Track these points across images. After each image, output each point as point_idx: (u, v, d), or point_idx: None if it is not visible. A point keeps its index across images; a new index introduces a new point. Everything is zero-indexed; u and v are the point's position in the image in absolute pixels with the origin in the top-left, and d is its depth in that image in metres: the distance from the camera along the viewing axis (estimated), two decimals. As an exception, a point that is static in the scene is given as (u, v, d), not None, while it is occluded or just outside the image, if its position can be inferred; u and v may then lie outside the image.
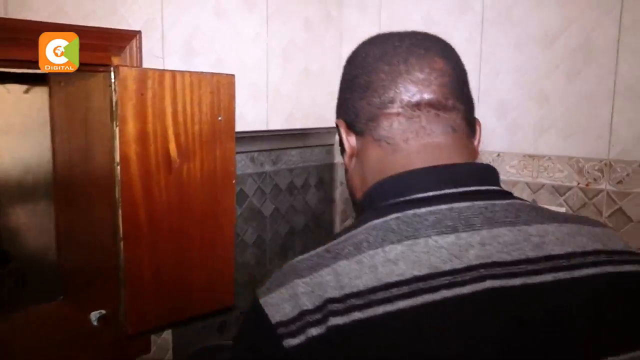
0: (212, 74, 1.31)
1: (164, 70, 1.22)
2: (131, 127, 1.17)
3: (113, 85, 1.15)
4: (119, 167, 1.17)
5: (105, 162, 1.21)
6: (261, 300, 0.50)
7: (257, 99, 1.53)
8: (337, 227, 1.91)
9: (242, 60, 1.48)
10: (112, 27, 1.18)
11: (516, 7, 1.42)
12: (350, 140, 0.65)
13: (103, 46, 1.17)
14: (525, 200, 0.58)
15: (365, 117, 0.62)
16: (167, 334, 1.40)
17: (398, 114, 0.60)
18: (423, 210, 0.53)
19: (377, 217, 0.54)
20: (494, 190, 0.57)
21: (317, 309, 0.47)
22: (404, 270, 0.48)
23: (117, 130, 1.15)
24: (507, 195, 0.57)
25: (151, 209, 1.22)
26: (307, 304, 0.48)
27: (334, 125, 0.73)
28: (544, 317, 0.48)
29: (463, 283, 0.48)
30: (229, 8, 1.43)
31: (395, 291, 0.47)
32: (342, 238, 0.53)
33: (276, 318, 0.48)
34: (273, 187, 1.64)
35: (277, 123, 1.62)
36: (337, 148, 1.85)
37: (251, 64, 1.51)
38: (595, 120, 1.30)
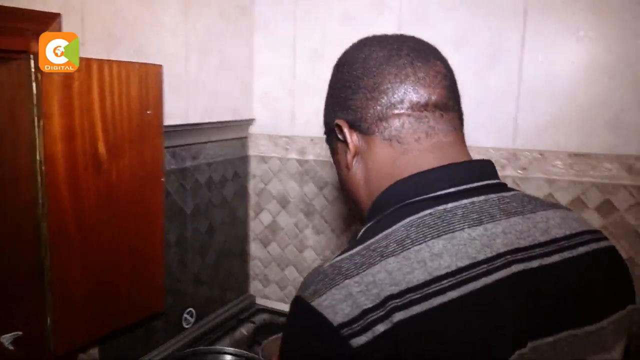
0: (140, 63, 1.21)
1: (90, 58, 1.10)
2: (57, 122, 1.04)
3: (33, 75, 1.01)
4: (43, 168, 1.03)
5: (27, 162, 1.05)
6: (313, 304, 0.51)
7: (177, 91, 1.45)
8: (251, 220, 1.89)
9: (161, 51, 1.38)
10: (29, 7, 1.03)
11: (431, 9, 1.53)
12: (354, 139, 0.67)
13: (19, 29, 1.01)
14: (521, 191, 0.66)
15: (374, 117, 0.65)
16: (94, 349, 1.28)
17: (408, 115, 0.64)
18: (450, 205, 0.58)
19: (410, 215, 0.57)
20: (498, 183, 0.64)
21: (378, 306, 0.49)
22: (449, 262, 0.52)
23: (40, 126, 1.01)
24: (507, 187, 0.65)
25: (79, 214, 1.10)
26: (367, 302, 0.49)
27: (330, 124, 0.74)
28: (553, 291, 0.56)
29: (497, 269, 0.54)
30: (149, -7, 1.32)
31: (445, 283, 0.51)
32: (380, 236, 0.55)
33: (337, 320, 0.49)
34: (194, 182, 1.56)
35: (197, 116, 1.54)
36: (251, 141, 1.83)
37: (170, 55, 1.42)
38: (501, 115, 1.46)
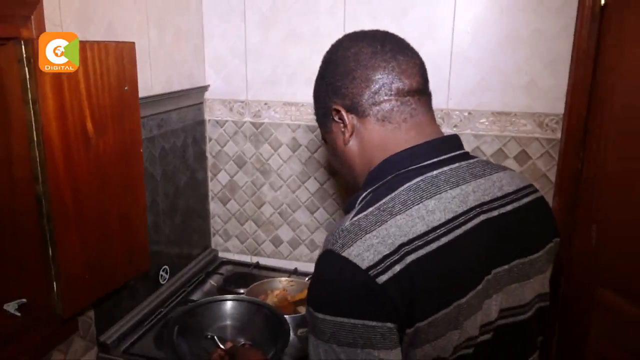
0: (116, 42, 1.27)
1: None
2: (50, 104, 1.10)
3: (25, 60, 1.06)
4: (41, 147, 1.10)
5: (21, 143, 1.12)
6: (344, 254, 0.66)
7: (142, 65, 1.51)
8: (210, 181, 2.02)
9: (127, 27, 1.44)
10: (14, -7, 1.06)
11: (373, -17, 1.69)
12: (351, 120, 0.82)
13: (9, 16, 1.05)
14: (479, 158, 0.85)
15: (368, 102, 0.80)
16: (89, 311, 1.39)
17: (396, 100, 0.79)
18: (435, 172, 0.76)
19: (407, 181, 0.74)
20: (465, 153, 0.83)
21: (394, 252, 0.66)
22: (440, 216, 0.71)
23: (36, 108, 1.08)
24: (470, 154, 0.84)
25: (75, 188, 1.19)
26: (385, 250, 0.66)
27: (326, 108, 0.86)
28: (508, 232, 0.78)
29: (471, 219, 0.73)
30: (113, -31, 1.36)
31: (439, 231, 0.70)
32: (387, 199, 0.72)
33: (365, 264, 0.65)
34: (161, 150, 1.66)
35: (159, 87, 1.62)
36: (207, 106, 1.93)
37: (135, 30, 1.48)
38: (437, 79, 1.68)
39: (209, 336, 1.37)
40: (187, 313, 1.39)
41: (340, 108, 0.82)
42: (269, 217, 2.00)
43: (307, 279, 1.71)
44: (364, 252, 0.66)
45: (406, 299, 0.65)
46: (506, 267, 0.77)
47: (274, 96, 1.87)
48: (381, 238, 0.67)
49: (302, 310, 1.52)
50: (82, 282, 1.24)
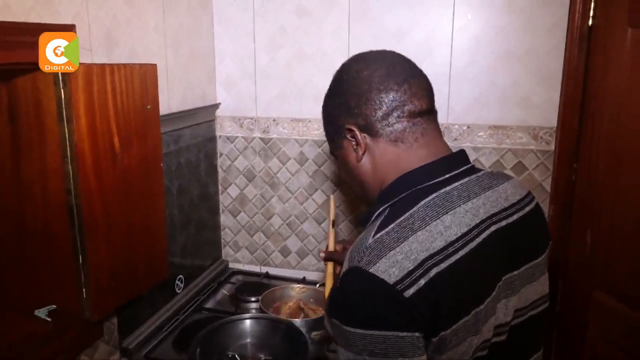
0: (140, 64, 1.37)
1: (104, 64, 1.25)
2: (83, 123, 1.19)
3: (61, 83, 1.16)
4: (74, 163, 1.19)
5: (55, 158, 1.21)
6: (372, 271, 0.70)
7: (161, 84, 1.61)
8: (221, 194, 2.10)
9: (147, 49, 1.54)
10: (51, 22, 1.16)
11: (375, 5, 1.79)
12: (365, 139, 0.86)
13: (48, 43, 1.15)
14: (486, 170, 0.90)
15: (382, 123, 0.84)
16: (113, 317, 1.47)
17: (407, 121, 0.83)
18: (448, 188, 0.80)
19: (423, 198, 0.78)
20: (472, 167, 0.87)
21: (418, 267, 0.70)
22: (456, 231, 0.75)
23: (69, 126, 1.17)
24: (476, 168, 0.88)
25: (104, 200, 1.27)
26: (409, 265, 0.70)
27: (338, 126, 0.89)
28: (517, 240, 0.83)
29: (483, 231, 0.78)
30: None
31: (456, 245, 0.74)
32: (406, 216, 0.76)
33: (392, 280, 0.69)
34: (177, 165, 1.75)
35: (175, 105, 1.72)
36: (218, 123, 2.03)
37: (154, 52, 1.58)
38: (437, 96, 1.77)
39: (230, 355, 1.41)
40: (208, 333, 1.43)
41: (353, 128, 0.86)
42: (278, 229, 2.08)
43: (317, 285, 1.79)
44: (389, 268, 0.70)
45: (431, 311, 0.70)
46: (515, 272, 0.83)
47: (282, 113, 1.97)
48: (405, 254, 0.71)
49: (313, 314, 1.59)
50: (109, 288, 1.31)
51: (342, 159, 0.93)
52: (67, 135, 1.18)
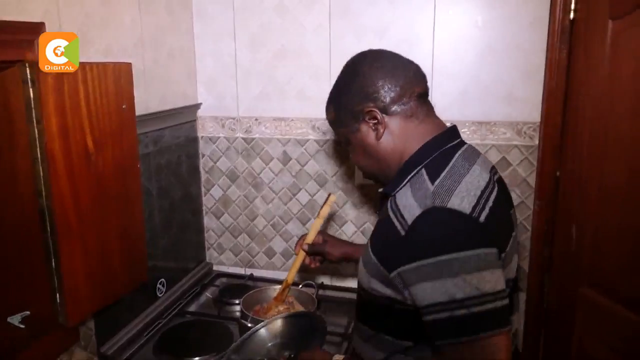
0: (114, 63, 1.34)
1: (74, 63, 1.21)
2: (54, 122, 1.16)
3: (30, 82, 1.12)
4: (44, 164, 1.15)
5: (25, 160, 1.17)
6: (449, 206, 0.87)
7: (138, 84, 1.57)
8: (203, 196, 2.07)
9: (123, 48, 1.51)
10: (18, 19, 1.13)
11: (355, 3, 1.77)
12: (385, 119, 1.01)
13: (17, 41, 1.12)
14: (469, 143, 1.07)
15: (397, 103, 1.00)
16: (90, 321, 1.43)
17: (416, 100, 1.01)
18: (462, 149, 1.01)
19: (453, 154, 0.98)
20: (463, 140, 1.06)
21: (479, 199, 0.90)
22: (485, 177, 0.96)
23: (39, 127, 1.13)
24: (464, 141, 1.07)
25: (77, 202, 1.24)
26: (472, 199, 0.89)
27: (356, 111, 1.02)
28: (505, 189, 1.05)
29: (495, 182, 0.98)
30: (109, -6, 1.43)
31: (490, 187, 0.94)
32: (450, 166, 0.95)
33: (467, 210, 0.87)
34: (156, 166, 1.71)
35: (154, 105, 1.68)
36: (199, 123, 2.00)
37: (130, 51, 1.54)
38: (420, 93, 1.76)
39: None
40: (232, 352, 1.35)
41: (373, 109, 1.00)
42: (262, 230, 2.05)
43: (300, 286, 1.76)
44: (461, 202, 0.88)
45: (497, 232, 0.91)
46: (511, 210, 1.06)
47: (264, 112, 1.95)
48: (466, 191, 0.90)
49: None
50: (84, 292, 1.28)
51: (359, 141, 1.05)
52: (36, 136, 1.15)
